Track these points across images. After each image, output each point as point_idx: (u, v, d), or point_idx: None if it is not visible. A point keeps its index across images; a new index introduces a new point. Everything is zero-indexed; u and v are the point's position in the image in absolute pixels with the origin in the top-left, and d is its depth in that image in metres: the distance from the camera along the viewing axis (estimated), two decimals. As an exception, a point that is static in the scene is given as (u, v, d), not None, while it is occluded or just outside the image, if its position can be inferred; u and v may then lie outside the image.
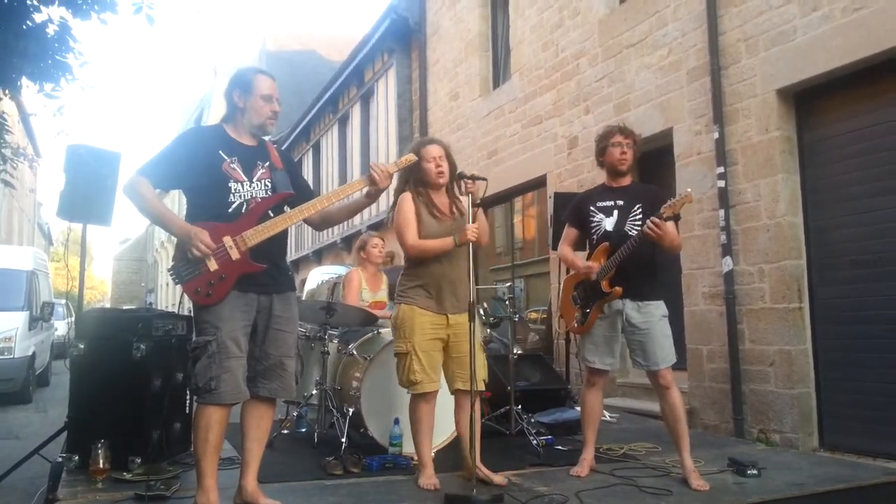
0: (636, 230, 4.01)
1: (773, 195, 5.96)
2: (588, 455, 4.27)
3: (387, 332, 4.96)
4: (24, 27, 5.88)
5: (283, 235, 3.42)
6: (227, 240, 3.20)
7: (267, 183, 3.39)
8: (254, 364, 3.34)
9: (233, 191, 3.29)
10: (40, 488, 4.49)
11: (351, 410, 4.76)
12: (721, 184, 6.37)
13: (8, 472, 4.73)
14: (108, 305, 52.34)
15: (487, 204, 10.58)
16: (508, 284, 6.57)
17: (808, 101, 5.99)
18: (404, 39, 13.55)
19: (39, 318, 11.34)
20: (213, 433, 3.17)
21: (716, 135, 6.44)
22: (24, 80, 6.29)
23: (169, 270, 3.33)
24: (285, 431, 5.36)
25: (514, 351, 5.73)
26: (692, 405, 6.51)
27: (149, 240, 55.91)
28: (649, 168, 7.41)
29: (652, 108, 7.32)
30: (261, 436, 3.43)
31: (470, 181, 3.84)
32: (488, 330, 5.20)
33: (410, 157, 3.74)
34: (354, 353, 5.07)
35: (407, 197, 4.02)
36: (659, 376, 4.07)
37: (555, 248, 5.67)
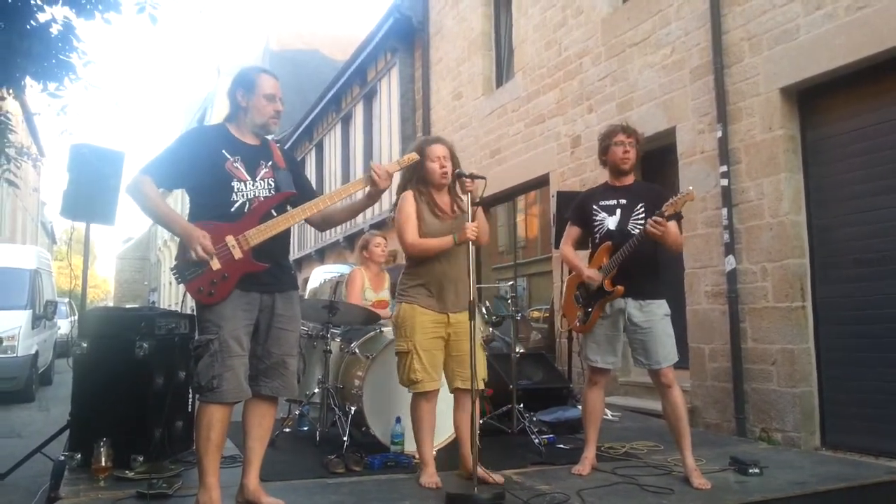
0: (639, 229, 4.01)
1: (776, 194, 5.95)
2: (590, 454, 4.26)
3: (389, 331, 4.95)
4: (28, 27, 5.89)
5: (285, 234, 3.43)
6: (230, 239, 3.20)
7: (270, 182, 3.39)
8: (256, 363, 3.35)
9: (235, 190, 3.30)
10: (42, 486, 4.50)
11: (353, 409, 4.77)
12: (724, 182, 6.36)
13: (11, 470, 4.74)
14: (110, 304, 52.44)
15: (490, 203, 10.60)
16: (511, 283, 6.56)
17: (811, 99, 5.98)
18: (407, 38, 13.55)
19: (42, 316, 11.36)
20: (215, 432, 3.18)
21: (719, 133, 6.43)
22: (28, 80, 6.31)
23: (172, 269, 3.34)
24: (287, 430, 5.38)
25: (517, 350, 5.74)
26: (694, 404, 6.51)
27: (152, 239, 56.02)
28: (652, 167, 7.41)
29: (655, 107, 7.32)
30: (263, 434, 3.43)
31: (469, 180, 3.84)
32: (490, 329, 5.20)
33: (413, 156, 3.74)
34: (357, 351, 5.07)
35: (408, 196, 4.02)
36: (661, 375, 4.07)
37: (557, 246, 5.67)
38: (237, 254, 3.20)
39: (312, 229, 3.77)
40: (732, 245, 6.28)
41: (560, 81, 8.96)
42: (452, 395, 4.06)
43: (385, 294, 5.88)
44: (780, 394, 5.83)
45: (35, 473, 4.96)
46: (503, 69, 11.00)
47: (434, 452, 4.06)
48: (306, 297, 9.80)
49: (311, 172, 19.46)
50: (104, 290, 66.49)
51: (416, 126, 13.24)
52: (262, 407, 3.41)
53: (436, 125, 12.42)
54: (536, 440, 4.92)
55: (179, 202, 33.38)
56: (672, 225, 4.00)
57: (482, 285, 10.16)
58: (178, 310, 4.94)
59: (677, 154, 7.02)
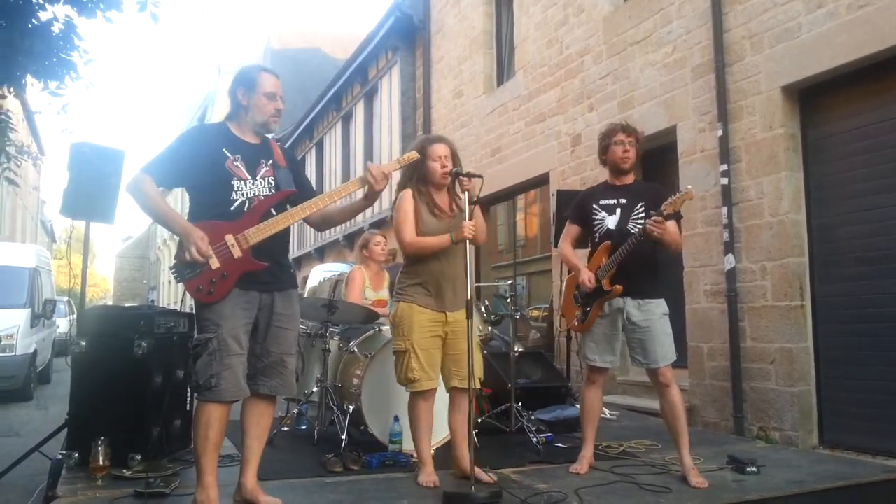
0: (638, 228, 4.01)
1: (776, 192, 5.95)
2: (587, 452, 4.26)
3: (388, 330, 4.95)
4: (30, 25, 5.88)
5: (285, 233, 3.42)
6: (229, 238, 3.20)
7: (270, 181, 3.39)
8: (254, 361, 3.34)
9: (235, 188, 3.29)
10: (40, 485, 4.50)
11: (351, 408, 4.76)
12: (724, 181, 6.36)
13: (8, 469, 4.74)
14: (110, 303, 52.52)
15: (490, 202, 10.60)
16: (510, 282, 6.56)
17: (812, 98, 5.97)
18: (408, 37, 13.55)
19: (41, 315, 11.35)
20: (213, 430, 3.18)
21: (720, 132, 6.43)
22: (29, 78, 6.30)
23: (171, 268, 3.33)
24: (285, 429, 5.37)
25: (515, 348, 5.73)
26: (692, 403, 6.51)
27: (151, 238, 56.04)
28: (653, 165, 7.40)
29: (656, 106, 7.31)
30: (261, 433, 3.43)
31: (466, 178, 3.83)
32: (490, 327, 5.20)
33: (413, 155, 3.73)
34: (355, 350, 5.07)
35: (407, 194, 4.01)
36: (659, 374, 4.07)
37: (557, 245, 5.67)
38: (236, 252, 3.20)
39: (312, 228, 3.76)
40: (732, 244, 6.28)
41: (561, 80, 8.96)
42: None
43: (385, 293, 5.88)
44: (778, 393, 5.83)
45: (32, 472, 4.96)
46: (504, 68, 11.00)
47: (432, 451, 4.05)
48: (305, 295, 9.80)
49: (311, 171, 19.47)
50: (103, 288, 66.53)
51: (416, 125, 13.24)
52: (261, 406, 3.41)
53: (436, 124, 12.42)
54: (534, 439, 4.92)
55: (179, 201, 33.38)
56: (671, 224, 4.00)
57: (481, 284, 10.18)
58: (178, 308, 4.94)
59: (678, 152, 7.02)
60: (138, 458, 4.06)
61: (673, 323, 4.22)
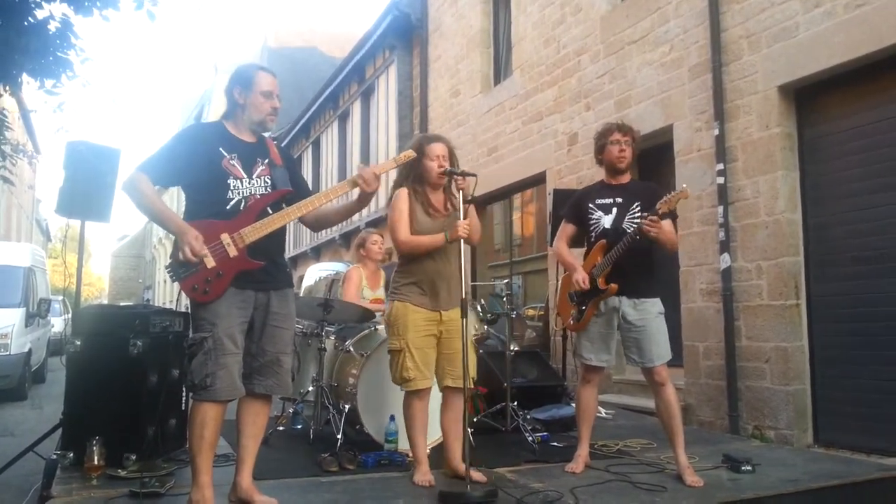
0: (634, 227, 4.01)
1: (772, 192, 5.95)
2: (583, 451, 4.26)
3: (384, 329, 4.95)
4: (26, 23, 5.88)
5: (280, 232, 3.42)
6: (225, 237, 3.19)
7: (266, 180, 3.38)
8: (250, 361, 3.34)
9: (232, 187, 3.28)
10: (35, 485, 4.50)
11: (347, 407, 4.76)
12: (720, 180, 6.37)
13: (3, 469, 4.72)
14: (105, 302, 52.38)
15: (486, 201, 10.60)
16: (506, 281, 6.56)
17: (809, 97, 5.98)
18: (406, 36, 13.54)
19: (36, 314, 11.34)
20: (208, 430, 3.17)
21: (716, 131, 6.43)
22: (25, 77, 6.29)
23: (166, 267, 3.33)
24: (281, 428, 5.37)
25: (511, 347, 5.73)
26: (688, 401, 6.52)
27: (147, 237, 55.92)
28: (649, 165, 7.41)
29: (653, 105, 7.32)
30: (256, 432, 3.43)
31: (460, 177, 3.82)
32: (486, 326, 5.20)
33: (409, 153, 3.73)
34: (351, 349, 5.06)
35: (402, 193, 4.00)
36: (654, 373, 4.08)
37: (552, 244, 5.67)
38: (232, 251, 3.19)
39: (307, 228, 3.77)
40: (728, 243, 6.29)
41: (558, 79, 8.96)
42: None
43: (381, 292, 5.86)
44: (773, 391, 5.83)
45: (27, 472, 4.95)
46: (501, 67, 11.00)
47: (428, 451, 4.05)
48: (301, 294, 9.80)
49: (307, 170, 19.45)
50: (99, 287, 66.42)
51: (413, 124, 13.23)
52: (256, 405, 3.41)
53: (433, 123, 12.42)
54: (530, 438, 4.91)
55: (175, 200, 33.33)
56: (667, 223, 4.00)
57: (478, 283, 10.17)
58: (173, 308, 4.93)
59: (674, 152, 7.02)
60: (133, 457, 4.05)
61: (668, 322, 4.22)
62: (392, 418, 4.59)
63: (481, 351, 5.81)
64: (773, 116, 5.99)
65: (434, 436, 4.47)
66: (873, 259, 5.46)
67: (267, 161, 3.43)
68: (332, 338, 5.42)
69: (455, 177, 3.83)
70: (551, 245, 6.04)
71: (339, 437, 4.59)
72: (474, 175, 3.85)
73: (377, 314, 5.33)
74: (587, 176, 7.84)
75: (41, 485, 4.15)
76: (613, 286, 4.07)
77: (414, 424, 3.94)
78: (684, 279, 6.80)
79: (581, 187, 5.23)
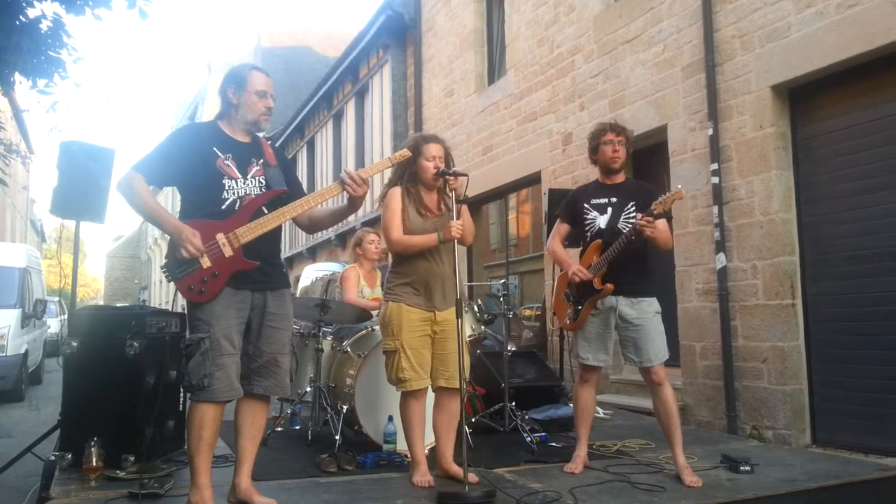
0: (630, 227, 4.01)
1: (766, 192, 5.97)
2: (581, 452, 4.27)
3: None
4: (17, 22, 5.84)
5: (276, 232, 3.42)
6: (220, 237, 3.19)
7: (261, 180, 3.38)
8: (248, 361, 3.34)
9: (226, 188, 3.29)
10: (33, 486, 4.49)
11: (345, 408, 4.76)
12: (715, 180, 6.38)
13: (1, 470, 4.72)
14: (101, 303, 52.26)
15: (482, 201, 10.61)
16: (503, 281, 6.56)
17: (802, 97, 5.99)
18: (399, 35, 13.54)
19: (32, 315, 11.30)
20: (206, 431, 3.17)
21: (710, 131, 6.45)
22: (17, 76, 6.25)
23: (162, 268, 3.33)
24: (279, 429, 5.37)
25: (508, 348, 5.73)
26: (685, 402, 6.53)
27: (142, 237, 55.81)
28: (644, 164, 7.42)
29: (647, 105, 7.33)
30: (255, 433, 3.42)
31: (452, 178, 3.82)
32: (483, 327, 5.21)
33: (405, 153, 3.73)
34: (349, 350, 5.06)
35: (396, 192, 4.00)
36: (652, 373, 4.08)
37: (548, 244, 5.67)
38: (227, 251, 3.19)
39: (301, 230, 3.78)
40: (723, 243, 6.30)
41: (552, 79, 8.97)
42: None
43: (379, 291, 5.86)
44: (770, 391, 5.85)
45: (25, 473, 4.95)
46: (495, 66, 10.99)
47: (426, 451, 4.05)
48: (298, 295, 9.78)
49: (302, 170, 19.43)
50: (94, 288, 66.25)
51: (408, 123, 13.23)
52: (255, 406, 3.41)
53: (428, 122, 12.41)
54: (528, 438, 4.92)
55: (170, 200, 33.26)
56: (661, 222, 4.01)
57: (474, 283, 10.18)
58: (169, 308, 4.92)
59: (668, 151, 7.03)
60: (132, 458, 4.06)
61: (665, 322, 4.23)
62: (390, 419, 4.59)
63: (478, 352, 5.82)
64: (767, 116, 6.01)
65: (431, 437, 4.47)
66: (867, 258, 5.48)
67: (261, 161, 3.43)
68: (330, 338, 5.42)
69: (447, 177, 3.83)
70: (547, 245, 6.06)
71: (337, 437, 4.60)
72: (466, 175, 3.86)
73: (374, 314, 5.34)
74: (582, 176, 7.84)
75: (40, 486, 4.15)
76: (609, 286, 4.08)
77: (411, 425, 3.94)
78: (680, 279, 6.81)
79: (576, 187, 5.23)
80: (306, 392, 5.25)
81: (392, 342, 3.93)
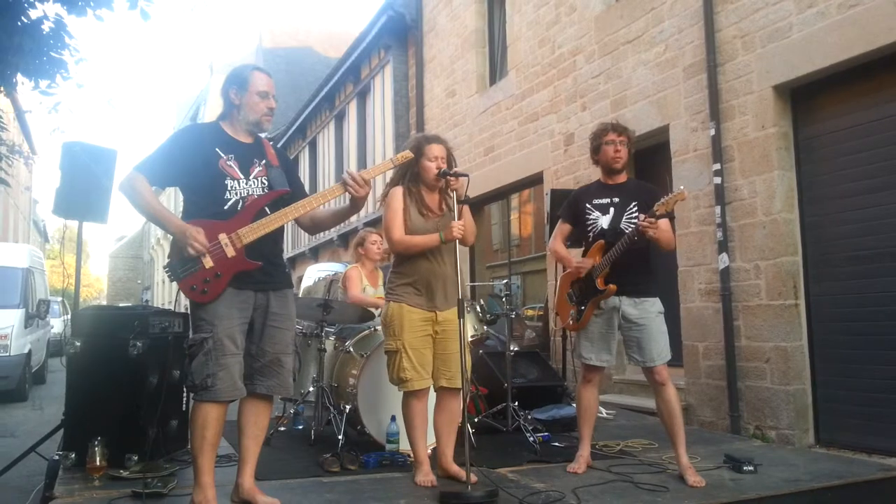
0: (632, 228, 4.02)
1: (768, 192, 5.97)
2: (584, 452, 4.27)
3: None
4: (19, 24, 5.85)
5: (278, 233, 3.43)
6: (223, 237, 3.20)
7: (263, 181, 3.39)
8: (251, 361, 3.35)
9: (229, 188, 3.29)
10: (37, 486, 4.49)
11: (348, 408, 4.76)
12: (717, 180, 6.37)
13: (4, 469, 4.73)
14: (104, 303, 52.30)
15: (484, 201, 10.61)
16: (505, 281, 6.57)
17: (804, 97, 5.99)
18: (401, 36, 13.54)
19: (35, 315, 11.33)
20: (209, 430, 3.18)
21: (712, 131, 6.44)
22: (20, 77, 6.26)
23: (165, 267, 3.33)
24: (282, 429, 5.37)
25: (511, 348, 5.74)
26: (688, 402, 6.53)
27: (145, 237, 55.84)
28: (646, 165, 7.42)
29: (648, 105, 7.33)
30: (258, 433, 3.43)
31: (453, 178, 3.83)
32: (485, 327, 5.22)
33: (407, 154, 3.73)
34: (351, 350, 5.06)
35: (397, 191, 4.00)
36: (655, 373, 4.08)
37: (550, 244, 5.67)
38: (230, 252, 3.20)
39: (303, 231, 3.79)
40: (726, 243, 6.30)
41: (553, 79, 8.97)
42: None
43: (381, 291, 5.87)
44: (773, 391, 5.84)
45: (29, 473, 4.96)
46: (497, 67, 10.99)
47: (429, 451, 4.06)
48: (300, 295, 9.79)
49: (304, 170, 19.43)
50: (97, 288, 66.33)
51: (409, 124, 13.23)
52: (258, 406, 3.41)
53: (429, 123, 12.41)
54: (531, 438, 4.92)
55: (172, 200, 33.29)
56: (664, 222, 4.01)
57: (476, 283, 10.18)
58: (172, 308, 4.93)
59: (671, 152, 7.03)
60: (135, 458, 4.06)
61: (668, 322, 4.24)
62: (393, 419, 4.60)
63: (480, 352, 5.82)
64: (769, 116, 6.00)
65: (433, 437, 4.48)
66: (870, 258, 5.47)
67: (264, 162, 3.44)
68: (332, 338, 5.42)
69: (448, 177, 3.84)
70: (549, 245, 6.06)
71: (340, 437, 4.60)
72: (466, 175, 3.86)
73: (376, 313, 5.34)
74: (584, 176, 7.84)
75: (43, 485, 4.16)
76: (612, 286, 4.08)
77: (413, 425, 3.95)
78: (683, 279, 6.81)
79: (578, 187, 5.23)
80: (309, 392, 5.26)
81: (393, 342, 3.93)
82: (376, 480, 4.01)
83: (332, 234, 16.00)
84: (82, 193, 5.15)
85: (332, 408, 4.97)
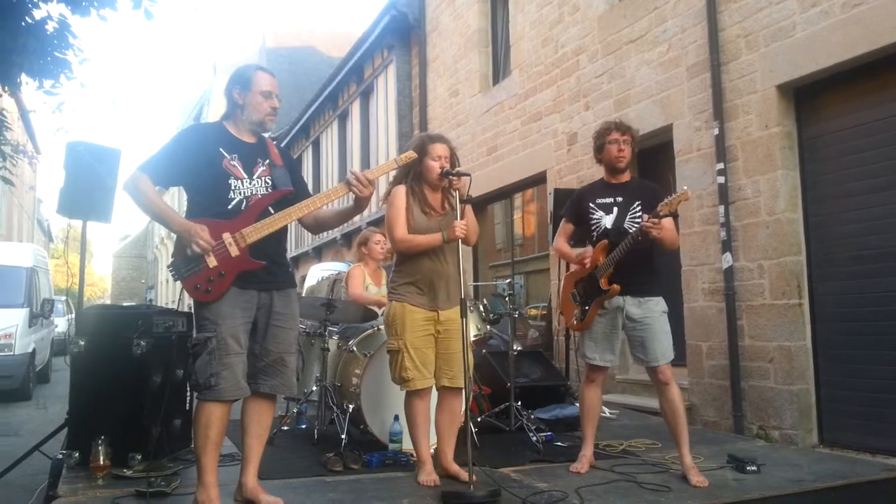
0: (636, 228, 4.01)
1: (772, 191, 5.96)
2: (587, 451, 4.27)
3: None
4: (23, 24, 5.86)
5: (282, 232, 3.43)
6: (227, 236, 3.21)
7: (267, 180, 3.40)
8: (254, 361, 3.35)
9: (233, 188, 3.30)
10: (41, 485, 4.51)
11: (351, 407, 4.77)
12: (721, 180, 6.36)
13: (8, 468, 4.74)
14: (108, 302, 52.37)
15: (487, 200, 10.61)
16: (508, 281, 6.56)
17: (808, 96, 5.98)
18: (404, 36, 13.54)
19: (39, 314, 11.35)
20: (213, 430, 3.18)
21: (716, 131, 6.44)
22: (24, 77, 6.27)
23: (168, 267, 3.34)
24: (285, 428, 5.38)
25: (514, 347, 5.74)
26: (692, 401, 6.52)
27: (149, 236, 55.95)
28: (649, 164, 7.41)
29: (652, 105, 7.32)
30: (261, 432, 3.44)
31: (455, 177, 3.83)
32: (488, 327, 5.22)
33: (411, 154, 3.73)
34: (354, 349, 5.07)
35: (400, 190, 4.00)
36: (658, 372, 4.08)
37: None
38: (234, 251, 3.20)
39: (307, 231, 3.81)
40: (729, 242, 6.29)
41: (557, 79, 8.96)
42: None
43: (384, 290, 5.87)
44: (777, 391, 5.84)
45: (33, 472, 4.97)
46: (500, 66, 10.99)
47: (431, 451, 4.06)
48: (304, 294, 9.80)
49: (307, 170, 19.44)
50: (101, 288, 66.39)
51: (413, 123, 13.23)
52: (261, 405, 3.42)
53: (432, 123, 12.42)
54: (534, 438, 4.92)
55: (176, 200, 33.33)
56: (668, 221, 4.01)
57: (479, 283, 10.18)
58: (176, 308, 4.94)
59: (674, 151, 7.02)
60: (139, 457, 4.07)
61: (671, 321, 4.23)
62: (396, 418, 4.60)
63: (484, 351, 5.82)
64: (773, 116, 5.99)
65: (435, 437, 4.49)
66: (873, 258, 5.46)
67: (267, 161, 3.44)
68: (336, 338, 5.43)
69: (450, 177, 3.84)
70: (552, 245, 6.06)
71: (343, 437, 4.61)
72: (468, 175, 3.86)
73: (379, 312, 5.34)
74: (587, 175, 7.83)
75: (47, 484, 4.16)
76: (616, 286, 4.08)
77: (416, 424, 3.95)
78: (686, 279, 6.80)
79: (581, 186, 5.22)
80: (312, 391, 5.26)
81: (396, 342, 3.94)
82: (379, 480, 4.02)
83: (336, 233, 16.00)
84: (86, 193, 5.16)
85: (335, 407, 4.98)
